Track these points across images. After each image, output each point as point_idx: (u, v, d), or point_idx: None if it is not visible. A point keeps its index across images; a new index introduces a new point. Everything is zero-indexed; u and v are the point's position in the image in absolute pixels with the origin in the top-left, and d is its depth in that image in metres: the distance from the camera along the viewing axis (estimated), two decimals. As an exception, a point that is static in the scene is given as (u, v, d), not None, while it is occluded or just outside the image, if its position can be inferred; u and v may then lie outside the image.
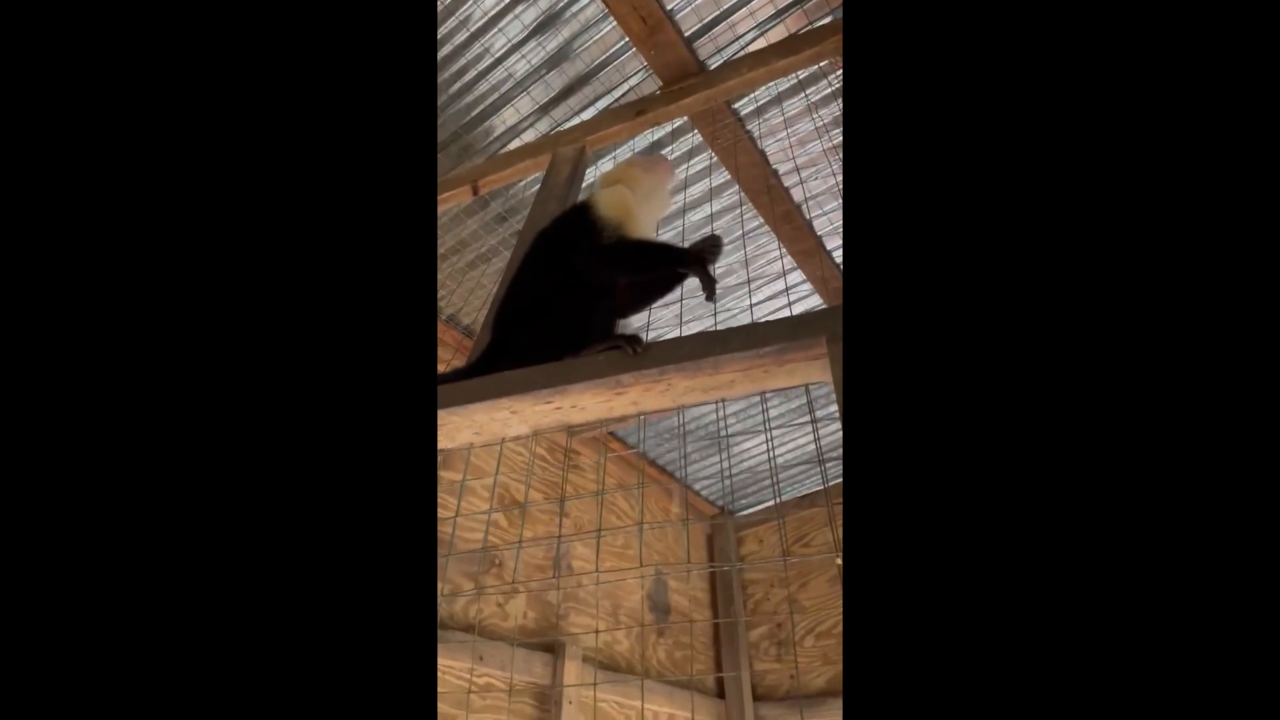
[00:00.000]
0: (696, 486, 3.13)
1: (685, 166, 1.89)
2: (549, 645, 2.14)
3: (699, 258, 0.90)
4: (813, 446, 2.92)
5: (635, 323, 1.14)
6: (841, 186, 1.88)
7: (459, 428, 0.99)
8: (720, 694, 2.78)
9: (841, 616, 2.71)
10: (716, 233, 0.98)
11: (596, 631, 2.34)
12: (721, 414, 2.73)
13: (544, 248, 1.00)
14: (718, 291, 0.95)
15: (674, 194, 1.91)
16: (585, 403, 0.94)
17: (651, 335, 0.90)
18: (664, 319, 2.16)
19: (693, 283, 0.99)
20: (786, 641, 2.85)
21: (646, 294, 0.98)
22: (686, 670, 2.72)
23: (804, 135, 1.86)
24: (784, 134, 1.83)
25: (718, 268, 2.09)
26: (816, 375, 0.87)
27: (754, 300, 2.22)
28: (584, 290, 0.90)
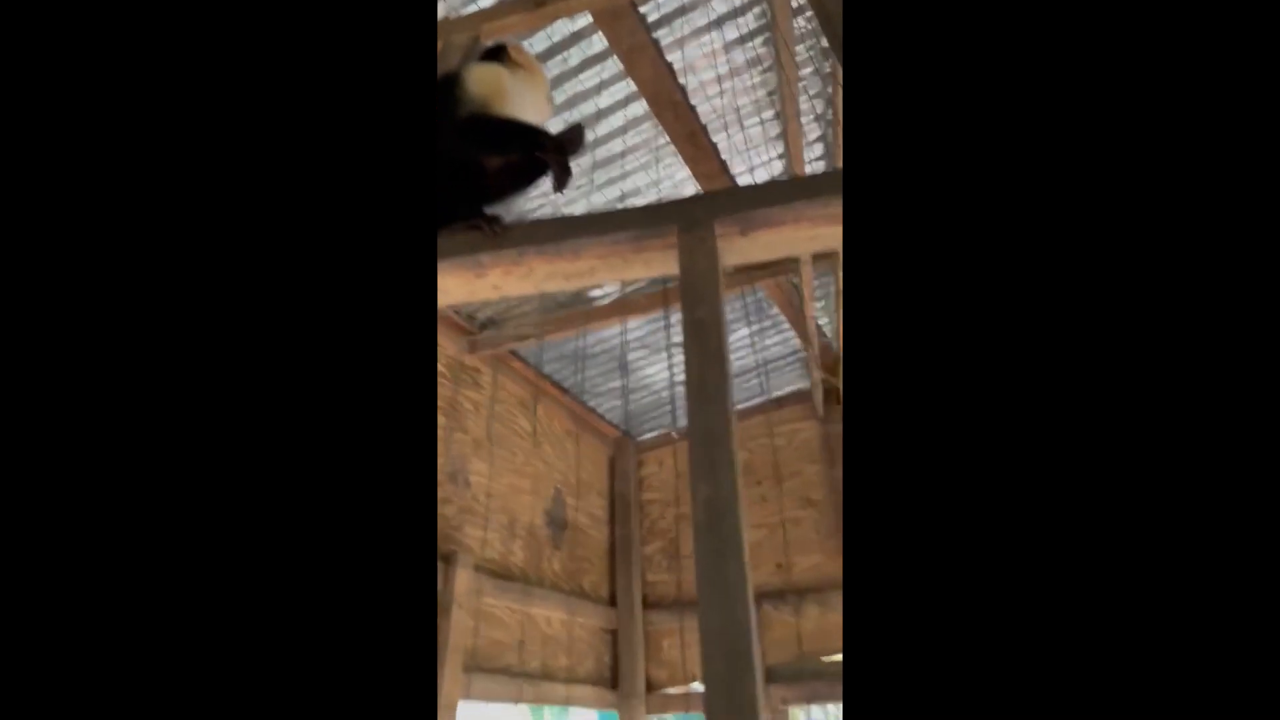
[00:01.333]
0: (600, 410, 3.20)
1: (576, 79, 1.83)
2: (442, 554, 2.17)
3: (558, 145, 0.89)
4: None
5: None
6: (746, 109, 1.88)
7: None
8: (612, 602, 2.94)
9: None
10: (583, 125, 0.97)
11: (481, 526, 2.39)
12: (624, 337, 2.77)
13: (406, 121, 0.95)
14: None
15: (572, 105, 1.85)
16: (446, 285, 0.92)
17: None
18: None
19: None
20: (677, 555, 3.03)
21: (517, 179, 0.97)
22: (581, 580, 2.85)
23: (708, 51, 1.84)
24: (692, 44, 1.79)
25: (590, 167, 2.06)
26: (672, 265, 0.90)
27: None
28: (445, 166, 0.87)
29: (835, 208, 0.81)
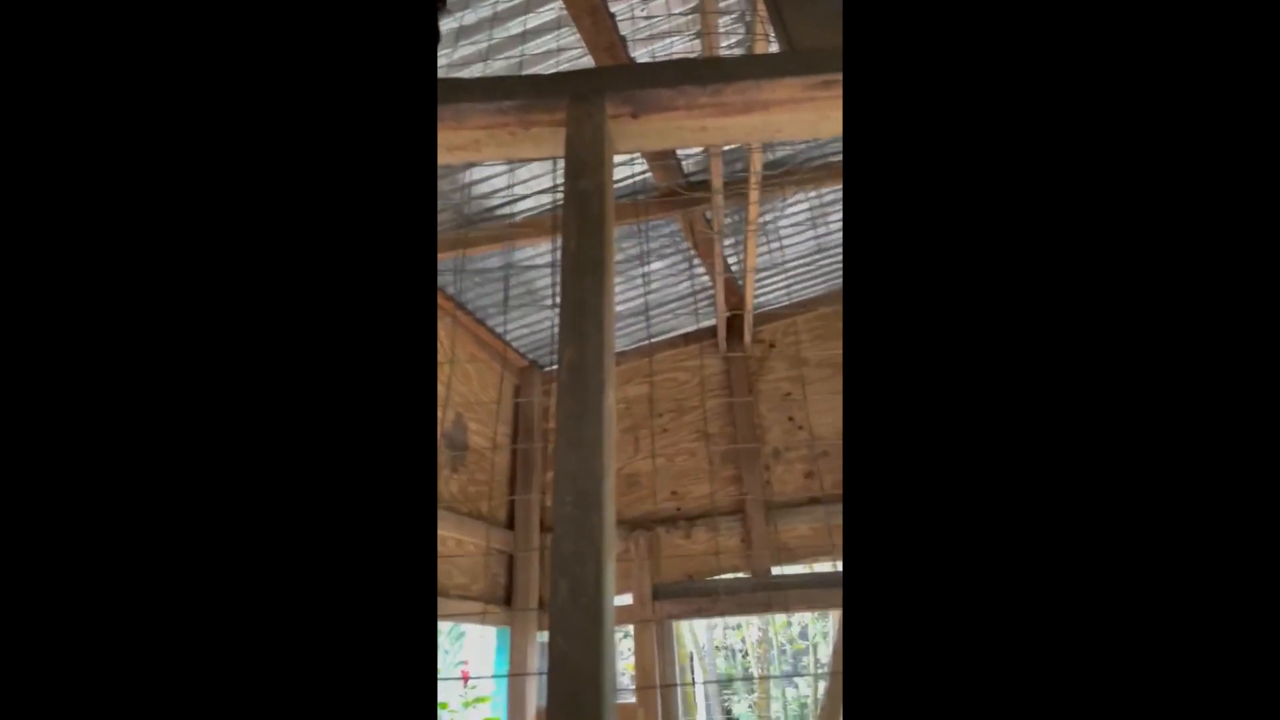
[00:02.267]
0: (509, 339, 3.15)
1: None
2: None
3: None
4: (630, 305, 3.05)
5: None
6: (661, 26, 1.83)
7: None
8: (510, 525, 2.98)
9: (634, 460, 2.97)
10: None
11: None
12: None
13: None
14: None
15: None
16: (317, 147, 0.86)
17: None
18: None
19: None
20: (578, 481, 3.09)
21: None
22: (480, 503, 2.85)
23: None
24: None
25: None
26: (561, 149, 0.88)
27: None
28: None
29: (725, 96, 0.81)
